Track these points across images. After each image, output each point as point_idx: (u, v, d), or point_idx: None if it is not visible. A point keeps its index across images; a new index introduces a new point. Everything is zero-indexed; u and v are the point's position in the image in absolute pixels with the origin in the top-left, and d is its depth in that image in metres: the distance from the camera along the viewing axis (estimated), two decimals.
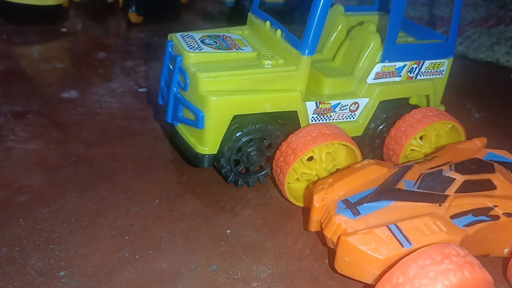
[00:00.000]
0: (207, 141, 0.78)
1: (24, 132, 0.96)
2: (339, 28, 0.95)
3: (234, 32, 0.89)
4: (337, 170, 0.81)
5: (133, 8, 1.54)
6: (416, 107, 0.98)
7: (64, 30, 1.49)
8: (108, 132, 0.99)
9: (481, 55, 1.51)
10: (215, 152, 0.79)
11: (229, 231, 0.76)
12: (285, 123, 0.86)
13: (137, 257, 0.70)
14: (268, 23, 0.87)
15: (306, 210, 0.76)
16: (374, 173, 0.72)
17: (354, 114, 0.87)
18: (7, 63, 1.24)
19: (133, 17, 1.56)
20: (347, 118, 0.87)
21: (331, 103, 0.83)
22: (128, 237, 0.73)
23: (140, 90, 1.16)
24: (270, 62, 0.79)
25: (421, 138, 0.88)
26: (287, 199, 0.80)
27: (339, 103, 0.84)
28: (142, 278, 0.66)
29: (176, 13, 1.73)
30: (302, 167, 0.79)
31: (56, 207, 0.78)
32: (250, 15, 0.92)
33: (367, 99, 0.86)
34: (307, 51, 0.77)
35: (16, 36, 1.41)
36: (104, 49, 1.38)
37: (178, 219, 0.77)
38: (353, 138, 0.84)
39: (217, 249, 0.72)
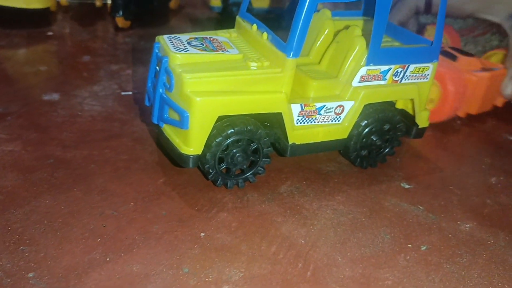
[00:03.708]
0: (192, 142, 0.78)
1: (2, 134, 0.95)
2: (326, 32, 0.96)
3: (222, 35, 0.89)
4: None
5: (120, 12, 1.54)
6: (402, 111, 0.98)
7: (50, 33, 1.49)
8: (88, 135, 0.98)
9: None
10: (200, 153, 0.79)
11: (203, 234, 0.75)
12: (272, 125, 0.86)
13: (108, 259, 0.69)
14: (255, 26, 0.87)
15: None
16: None
17: (339, 116, 0.87)
18: None
19: (121, 21, 1.56)
20: (332, 121, 0.87)
21: (316, 106, 0.84)
22: (100, 239, 0.72)
23: (123, 93, 1.16)
24: (256, 64, 0.80)
25: None
26: None
27: (324, 105, 0.84)
28: (111, 280, 0.66)
29: (164, 19, 1.74)
30: None
31: (30, 208, 0.77)
32: (238, 18, 0.93)
33: (352, 102, 0.86)
34: (292, 53, 0.77)
35: (1, 39, 1.40)
36: (89, 53, 1.38)
37: (153, 222, 0.77)
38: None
39: (190, 252, 0.72)
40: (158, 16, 1.74)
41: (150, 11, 1.71)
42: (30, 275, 0.65)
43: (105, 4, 1.75)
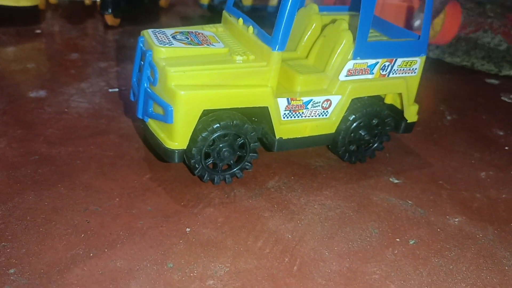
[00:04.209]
0: (177, 136, 0.77)
1: None
2: (313, 26, 0.95)
3: (208, 29, 0.88)
4: None
5: (110, 10, 1.53)
6: (391, 106, 0.98)
7: (38, 31, 1.48)
8: (74, 131, 0.97)
9: (457, 59, 1.52)
10: (185, 147, 0.78)
11: (189, 230, 0.74)
12: (259, 120, 0.85)
13: (91, 255, 0.68)
14: (241, 20, 0.86)
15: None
16: None
17: (327, 111, 0.86)
18: None
19: (110, 19, 1.55)
20: (319, 115, 0.86)
21: (302, 100, 0.83)
22: (84, 235, 0.71)
23: (110, 90, 1.15)
24: (241, 57, 0.79)
25: None
26: None
27: (311, 99, 0.84)
28: (94, 276, 0.65)
29: (154, 16, 1.72)
30: None
31: (12, 204, 0.76)
32: (224, 13, 0.92)
33: (340, 96, 0.86)
34: (277, 46, 0.77)
35: None
36: (77, 50, 1.37)
37: (138, 217, 0.76)
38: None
39: (175, 247, 0.71)
40: (148, 14, 1.73)
41: (140, 9, 1.70)
42: (11, 271, 0.64)
43: (94, 2, 1.73)
